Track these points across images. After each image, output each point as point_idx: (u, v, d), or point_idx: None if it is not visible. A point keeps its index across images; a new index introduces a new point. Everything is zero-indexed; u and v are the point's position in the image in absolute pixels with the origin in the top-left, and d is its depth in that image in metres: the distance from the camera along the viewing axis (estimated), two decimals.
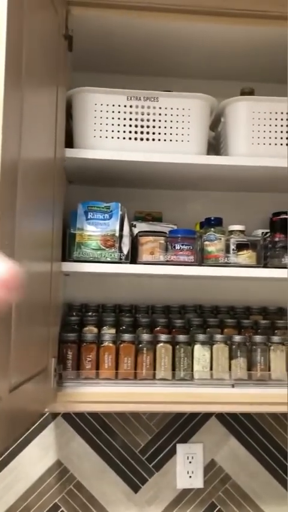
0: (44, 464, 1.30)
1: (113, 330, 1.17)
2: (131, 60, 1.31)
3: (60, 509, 1.29)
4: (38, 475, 1.29)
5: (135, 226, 1.22)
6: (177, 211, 1.37)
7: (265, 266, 1.15)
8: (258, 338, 1.13)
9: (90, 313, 1.25)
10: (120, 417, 1.32)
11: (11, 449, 1.29)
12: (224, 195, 1.39)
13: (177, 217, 1.32)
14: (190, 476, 1.32)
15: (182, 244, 1.13)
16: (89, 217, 1.13)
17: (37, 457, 1.30)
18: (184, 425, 1.34)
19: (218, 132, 1.29)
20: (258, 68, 1.33)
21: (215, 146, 1.31)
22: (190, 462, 1.32)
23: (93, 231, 1.12)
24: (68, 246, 1.11)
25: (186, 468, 1.32)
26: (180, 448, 1.33)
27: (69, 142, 1.14)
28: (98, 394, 1.06)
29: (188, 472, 1.32)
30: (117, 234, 1.12)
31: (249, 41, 1.21)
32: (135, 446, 1.32)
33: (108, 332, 1.15)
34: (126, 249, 1.12)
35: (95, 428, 1.32)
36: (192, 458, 1.33)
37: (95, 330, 1.16)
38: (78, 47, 1.19)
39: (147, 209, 1.35)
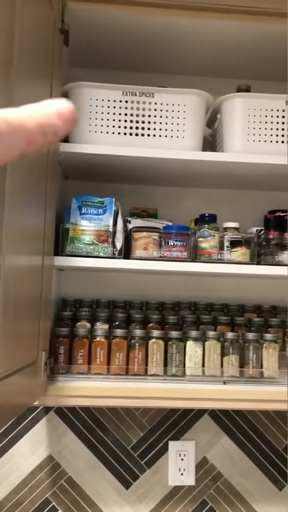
0: (36, 458, 1.30)
1: (106, 326, 1.17)
2: (127, 56, 1.31)
3: (51, 504, 1.29)
4: (30, 470, 1.29)
5: (129, 222, 1.21)
6: (173, 208, 1.36)
7: (259, 263, 1.14)
8: (250, 335, 1.12)
9: (83, 309, 1.25)
10: (112, 413, 1.32)
11: (2, 443, 1.29)
12: (220, 193, 1.39)
13: (173, 214, 1.32)
14: (182, 474, 1.32)
15: (176, 240, 1.13)
16: (82, 211, 1.13)
17: (29, 452, 1.30)
18: (177, 423, 1.34)
19: (214, 129, 1.29)
20: (255, 66, 1.32)
21: (211, 143, 1.31)
22: (182, 459, 1.32)
23: (86, 225, 1.12)
24: (61, 240, 1.11)
25: (178, 465, 1.32)
26: (172, 445, 1.32)
27: (65, 137, 1.14)
28: (89, 388, 1.05)
29: (179, 469, 1.32)
30: (110, 229, 1.12)
31: (247, 38, 1.21)
32: (128, 443, 1.32)
33: (101, 327, 1.15)
34: (119, 244, 1.12)
35: (87, 424, 1.32)
36: (184, 455, 1.32)
37: (88, 325, 1.16)
38: (74, 42, 1.19)
39: (142, 205, 1.34)
